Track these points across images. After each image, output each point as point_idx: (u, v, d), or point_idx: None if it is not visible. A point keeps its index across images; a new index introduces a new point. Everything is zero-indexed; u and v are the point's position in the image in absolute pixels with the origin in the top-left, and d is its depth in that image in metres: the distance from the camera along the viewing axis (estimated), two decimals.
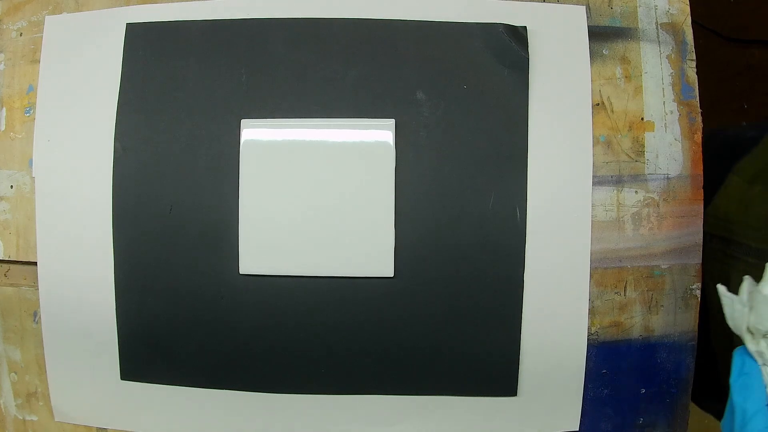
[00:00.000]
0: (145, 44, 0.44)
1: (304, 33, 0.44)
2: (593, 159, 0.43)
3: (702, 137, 0.44)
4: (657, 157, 0.44)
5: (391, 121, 0.43)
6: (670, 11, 0.45)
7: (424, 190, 0.43)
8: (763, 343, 0.34)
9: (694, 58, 0.45)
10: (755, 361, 0.34)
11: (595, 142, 0.44)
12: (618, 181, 0.44)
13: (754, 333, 0.35)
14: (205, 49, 0.44)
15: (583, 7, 0.44)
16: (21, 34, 0.46)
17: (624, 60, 0.44)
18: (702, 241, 0.44)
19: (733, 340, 0.39)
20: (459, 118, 0.43)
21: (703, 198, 0.44)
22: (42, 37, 0.46)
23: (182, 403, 0.46)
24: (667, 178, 0.44)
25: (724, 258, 0.47)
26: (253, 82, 0.43)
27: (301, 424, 0.45)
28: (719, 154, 0.48)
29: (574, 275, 0.44)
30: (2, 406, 0.48)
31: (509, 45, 0.43)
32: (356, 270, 0.43)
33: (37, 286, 0.45)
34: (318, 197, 0.43)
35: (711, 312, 0.45)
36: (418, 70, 0.43)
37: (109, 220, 0.44)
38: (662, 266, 0.44)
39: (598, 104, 0.44)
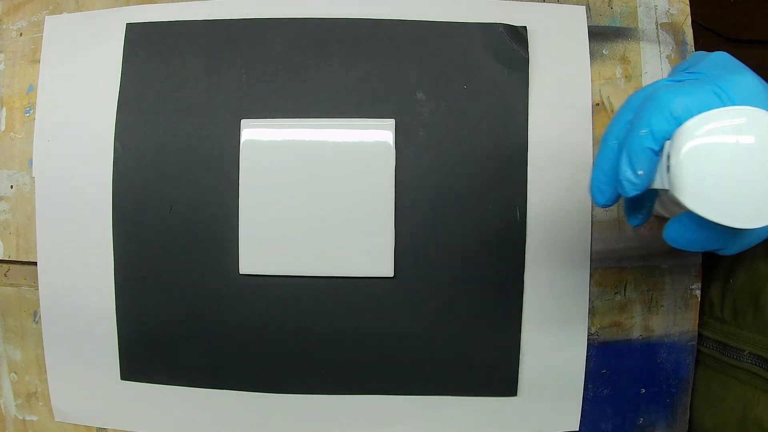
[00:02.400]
0: (145, 44, 0.44)
1: (304, 33, 0.44)
2: (593, 159, 0.43)
3: None
4: None
5: (391, 121, 0.43)
6: (670, 11, 0.45)
7: (424, 190, 0.43)
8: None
9: None
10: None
11: (595, 142, 0.44)
12: None
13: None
14: (205, 49, 0.44)
15: (583, 7, 0.44)
16: (21, 34, 0.46)
17: (624, 60, 0.44)
18: None
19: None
20: (459, 118, 0.43)
21: None
22: (42, 37, 0.46)
23: (182, 403, 0.46)
24: None
25: None
26: (253, 82, 0.43)
27: (301, 424, 0.45)
28: None
29: (574, 275, 0.44)
30: (2, 406, 0.48)
31: (509, 45, 0.43)
32: (356, 270, 0.43)
33: (37, 286, 0.45)
34: (318, 197, 0.43)
35: None
36: (418, 70, 0.43)
37: (109, 220, 0.44)
38: (662, 266, 0.44)
39: (598, 104, 0.44)
